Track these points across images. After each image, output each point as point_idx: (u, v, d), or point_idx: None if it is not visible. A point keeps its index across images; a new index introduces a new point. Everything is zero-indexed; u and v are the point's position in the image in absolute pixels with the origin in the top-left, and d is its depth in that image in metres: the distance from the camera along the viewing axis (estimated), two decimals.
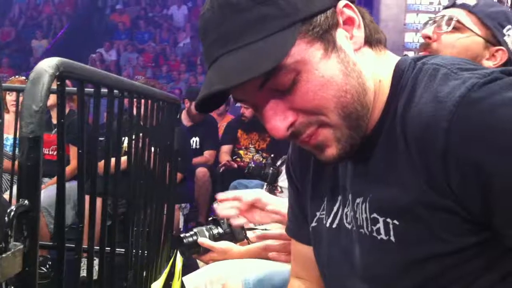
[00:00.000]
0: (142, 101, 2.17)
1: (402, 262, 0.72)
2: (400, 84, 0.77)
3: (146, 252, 2.35)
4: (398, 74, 0.78)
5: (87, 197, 1.48)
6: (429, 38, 1.45)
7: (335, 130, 0.75)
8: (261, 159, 3.85)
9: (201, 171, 4.80)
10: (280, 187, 2.87)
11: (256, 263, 1.80)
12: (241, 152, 4.73)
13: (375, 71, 0.78)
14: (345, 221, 0.85)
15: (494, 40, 1.45)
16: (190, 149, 4.73)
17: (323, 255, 0.90)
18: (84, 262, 1.82)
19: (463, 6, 1.46)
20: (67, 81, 1.35)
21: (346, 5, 0.76)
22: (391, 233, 0.73)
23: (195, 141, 4.93)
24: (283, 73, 0.72)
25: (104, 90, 1.67)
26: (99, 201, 1.59)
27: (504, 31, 1.46)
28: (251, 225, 2.46)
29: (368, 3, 13.11)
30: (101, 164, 1.69)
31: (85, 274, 1.67)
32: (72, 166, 3.49)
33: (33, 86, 1.03)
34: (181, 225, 4.31)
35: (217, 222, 1.96)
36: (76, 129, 1.46)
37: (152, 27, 13.32)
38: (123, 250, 2.06)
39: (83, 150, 1.42)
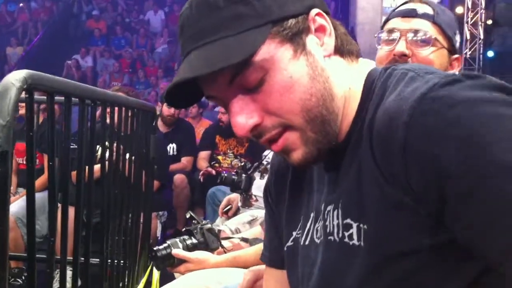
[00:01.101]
0: (116, 109, 2.15)
1: (366, 267, 0.72)
2: (371, 91, 0.78)
3: (122, 262, 2.33)
4: (369, 82, 0.80)
5: (60, 207, 1.46)
6: (405, 55, 1.40)
7: (301, 134, 0.76)
8: (239, 164, 3.85)
9: (179, 178, 4.78)
10: (255, 196, 2.87)
11: (234, 271, 1.80)
12: (219, 157, 4.72)
13: (345, 79, 0.79)
14: (315, 236, 0.85)
15: (453, 48, 1.46)
16: (167, 156, 4.70)
17: (296, 273, 0.90)
18: (57, 273, 1.79)
19: (426, 17, 1.43)
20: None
21: (318, 14, 0.78)
22: (362, 238, 0.73)
23: (172, 147, 4.90)
24: (251, 70, 0.73)
25: (76, 99, 1.66)
26: (72, 210, 1.57)
27: (457, 38, 1.47)
28: (228, 234, 2.45)
29: (345, 7, 13.19)
30: (74, 173, 1.68)
31: (58, 286, 1.65)
32: (45, 176, 3.45)
33: (0, 101, 1.01)
34: (158, 233, 4.28)
35: (190, 232, 1.96)
36: (48, 139, 1.44)
37: (128, 32, 13.24)
38: (98, 260, 2.04)
39: (53, 161, 1.40)
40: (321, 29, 0.78)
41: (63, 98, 1.57)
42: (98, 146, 2.65)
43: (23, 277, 3.12)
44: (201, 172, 4.60)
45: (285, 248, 0.93)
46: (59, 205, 1.69)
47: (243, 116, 0.76)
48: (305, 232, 0.88)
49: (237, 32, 0.73)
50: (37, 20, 13.67)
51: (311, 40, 0.77)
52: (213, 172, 4.52)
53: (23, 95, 1.15)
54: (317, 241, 0.84)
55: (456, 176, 0.63)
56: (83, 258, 1.80)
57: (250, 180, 2.94)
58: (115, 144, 2.23)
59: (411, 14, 1.43)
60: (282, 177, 0.96)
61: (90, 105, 1.86)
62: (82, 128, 1.68)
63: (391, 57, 1.41)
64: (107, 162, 2.13)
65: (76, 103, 1.70)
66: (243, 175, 2.93)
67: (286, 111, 0.75)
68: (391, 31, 1.43)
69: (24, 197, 3.28)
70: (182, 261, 1.87)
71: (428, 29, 1.40)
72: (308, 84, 0.75)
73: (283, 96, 0.74)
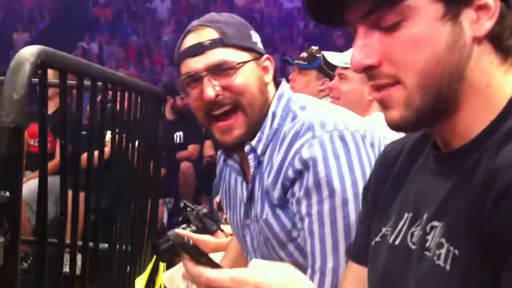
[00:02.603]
0: (126, 93, 2.13)
1: None
2: None
3: (130, 247, 2.32)
4: None
5: (69, 192, 1.45)
6: (219, 95, 1.25)
7: (408, 95, 0.73)
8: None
9: (185, 166, 4.77)
10: None
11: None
12: None
13: (486, 73, 0.74)
14: (409, 240, 0.80)
15: (258, 54, 1.33)
16: (172, 143, 4.69)
17: (379, 271, 0.86)
18: (66, 258, 1.78)
19: (215, 44, 1.25)
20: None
21: None
22: (449, 261, 0.70)
23: (178, 135, 4.89)
24: (391, 9, 0.72)
25: (86, 83, 1.64)
26: (81, 195, 1.55)
27: (254, 39, 1.35)
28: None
29: None
30: (84, 157, 1.66)
31: (68, 270, 1.63)
32: (56, 160, 3.44)
33: (14, 75, 0.99)
34: (165, 220, 4.28)
35: (188, 220, 1.94)
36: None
37: (135, 20, 13.20)
38: (107, 245, 2.03)
39: (65, 142, 1.38)
40: (484, 8, 0.72)
41: (74, 82, 1.55)
42: (107, 131, 2.63)
43: (29, 261, 3.12)
44: (207, 155, 4.60)
45: (373, 243, 0.89)
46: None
47: (363, 53, 0.74)
48: (396, 231, 0.84)
49: None
50: (43, 6, 13.64)
51: (467, 14, 0.72)
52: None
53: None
54: (412, 246, 0.79)
55: None
56: (92, 243, 1.79)
57: None
58: (124, 129, 2.21)
59: (199, 51, 1.25)
60: (387, 171, 0.92)
61: (102, 88, 1.84)
62: (94, 110, 1.66)
63: (203, 104, 1.25)
64: (116, 147, 2.11)
65: (87, 86, 1.68)
66: None
67: (405, 65, 0.72)
68: (188, 75, 1.27)
69: (32, 181, 3.28)
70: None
71: (224, 55, 1.24)
72: (441, 51, 0.71)
73: (410, 49, 0.72)
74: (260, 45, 1.33)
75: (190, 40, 1.29)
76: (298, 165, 1.18)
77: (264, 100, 1.28)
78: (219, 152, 1.56)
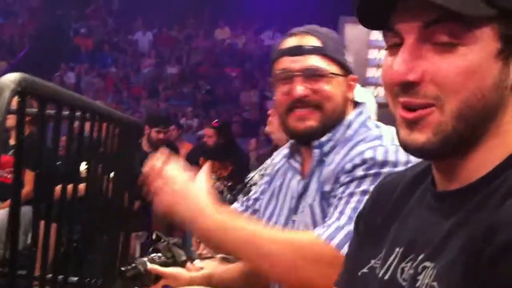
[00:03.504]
0: (104, 124, 2.12)
1: None
2: None
3: (100, 280, 2.27)
4: None
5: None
6: (306, 95, 1.33)
7: (442, 121, 0.71)
8: (222, 187, 3.81)
9: None
10: None
11: None
12: None
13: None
14: (399, 275, 0.78)
15: (347, 71, 1.40)
16: None
17: None
18: None
19: (315, 51, 1.35)
20: None
21: None
22: None
23: None
24: (455, 28, 0.69)
25: (64, 113, 1.63)
26: (53, 227, 1.52)
27: (348, 58, 1.42)
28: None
29: None
30: (57, 189, 1.63)
31: None
32: (25, 190, 3.37)
33: None
34: (137, 254, 4.20)
35: (157, 250, 1.91)
36: (33, 153, 1.40)
37: (116, 51, 13.22)
38: (77, 278, 1.98)
39: (41, 173, 1.36)
40: None
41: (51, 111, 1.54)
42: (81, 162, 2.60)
43: None
44: None
45: (359, 274, 0.87)
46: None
47: (408, 66, 0.71)
48: (386, 265, 0.82)
49: None
50: (23, 34, 13.59)
51: None
52: None
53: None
54: (402, 283, 0.77)
55: None
56: (62, 276, 1.75)
57: (234, 202, 2.90)
58: (100, 161, 2.19)
59: (299, 52, 1.35)
60: (383, 202, 0.90)
61: (80, 118, 1.82)
62: (71, 140, 1.65)
63: (290, 100, 1.35)
64: (91, 179, 2.09)
65: (65, 116, 1.66)
66: (228, 195, 2.90)
67: (450, 89, 0.70)
68: (283, 71, 1.36)
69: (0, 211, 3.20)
70: (157, 279, 1.81)
71: (320, 63, 1.34)
72: (488, 86, 0.70)
73: (459, 75, 0.69)
74: (351, 65, 1.41)
75: (292, 42, 1.38)
76: (357, 160, 1.27)
77: (342, 112, 1.37)
78: (275, 153, 1.71)
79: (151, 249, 1.98)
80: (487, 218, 0.67)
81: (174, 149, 5.12)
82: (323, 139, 1.35)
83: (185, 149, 5.37)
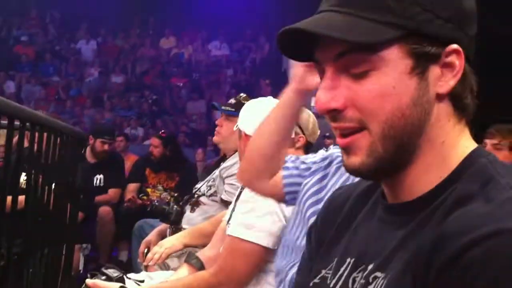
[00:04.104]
0: (45, 134, 2.06)
1: None
2: (467, 173, 0.73)
3: None
4: (470, 162, 0.75)
5: None
6: None
7: (371, 143, 0.74)
8: (168, 197, 3.77)
9: (104, 210, 4.63)
10: (184, 229, 2.80)
11: None
12: (148, 190, 4.62)
13: (443, 130, 0.76)
14: (350, 285, 0.80)
15: None
16: (93, 187, 4.56)
17: None
18: None
19: None
20: None
21: (456, 51, 0.74)
22: None
23: (99, 178, 4.75)
24: (364, 57, 0.72)
25: (3, 122, 1.57)
26: None
27: None
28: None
29: None
30: None
31: None
32: None
33: None
34: (81, 267, 4.10)
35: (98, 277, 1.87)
36: None
37: (58, 60, 12.89)
38: None
39: None
40: (450, 66, 0.74)
41: None
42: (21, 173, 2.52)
43: None
44: (127, 199, 4.51)
45: (311, 284, 0.88)
46: None
47: (329, 96, 0.74)
48: (337, 276, 0.83)
49: (376, 19, 0.71)
50: None
51: (433, 70, 0.74)
52: (139, 201, 4.43)
53: None
54: None
55: None
56: None
57: (181, 213, 2.88)
58: (40, 171, 2.13)
59: None
60: (334, 215, 0.91)
61: (18, 128, 1.77)
62: (9, 151, 1.59)
63: None
64: (31, 190, 2.02)
65: (4, 125, 1.61)
66: (175, 206, 2.87)
67: (371, 113, 0.73)
68: None
69: None
70: None
71: None
72: (406, 104, 0.72)
73: (376, 99, 0.72)
74: None
75: None
76: None
77: None
78: None
79: (89, 275, 1.92)
80: (433, 231, 0.69)
81: (119, 161, 5.03)
82: None
83: (130, 160, 5.29)
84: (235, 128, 2.22)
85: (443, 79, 0.74)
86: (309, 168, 1.58)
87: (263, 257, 1.80)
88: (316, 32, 0.72)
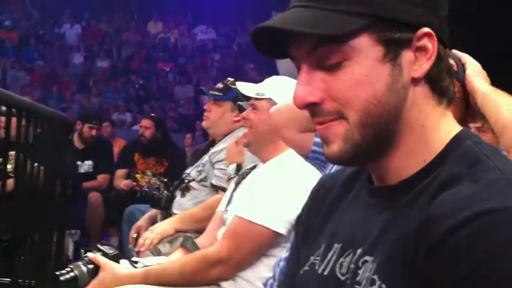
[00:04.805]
0: (32, 120, 2.04)
1: None
2: (455, 155, 0.74)
3: (33, 282, 2.19)
4: (456, 143, 0.75)
5: None
6: None
7: (348, 130, 0.74)
8: (158, 183, 3.76)
9: (93, 196, 4.61)
10: (175, 214, 2.79)
11: None
12: (137, 176, 4.60)
13: (422, 113, 0.76)
14: (337, 270, 0.80)
15: None
16: (80, 173, 4.56)
17: None
18: None
19: None
20: None
21: (428, 34, 0.74)
22: None
23: (88, 164, 4.73)
24: (334, 48, 0.73)
25: None
26: None
27: None
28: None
29: None
30: None
31: None
32: None
33: None
34: (70, 253, 4.09)
35: (89, 251, 1.87)
36: None
37: (42, 45, 12.74)
38: (9, 280, 1.90)
39: None
40: (423, 49, 0.74)
41: None
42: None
43: None
44: (123, 183, 4.51)
45: (301, 272, 0.88)
46: None
47: (306, 90, 0.75)
48: (325, 262, 0.83)
49: (342, 10, 0.72)
50: None
51: (406, 55, 0.74)
52: (133, 184, 4.42)
53: None
54: (341, 277, 0.79)
55: None
56: None
57: (171, 198, 2.87)
58: (28, 157, 2.11)
59: None
60: (320, 202, 0.92)
61: (4, 113, 1.75)
62: None
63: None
64: (20, 177, 2.01)
65: None
66: (165, 192, 2.86)
67: (347, 102, 0.73)
68: None
69: None
70: (86, 284, 1.77)
71: None
72: (381, 91, 0.73)
73: (351, 88, 0.73)
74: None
75: None
76: None
77: None
78: None
79: (84, 255, 1.92)
80: (420, 213, 0.69)
81: (108, 146, 5.00)
82: None
83: (118, 145, 5.26)
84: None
85: (417, 63, 0.75)
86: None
87: (271, 242, 1.79)
88: (283, 29, 0.73)
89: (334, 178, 0.94)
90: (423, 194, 0.72)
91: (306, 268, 0.88)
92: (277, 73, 2.67)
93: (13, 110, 1.82)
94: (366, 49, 0.73)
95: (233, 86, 3.00)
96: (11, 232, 1.94)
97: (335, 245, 0.83)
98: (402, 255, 0.69)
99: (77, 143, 4.63)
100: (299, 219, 0.99)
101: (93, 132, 4.70)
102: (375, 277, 0.72)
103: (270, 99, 2.26)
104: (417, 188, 0.73)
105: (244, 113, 2.41)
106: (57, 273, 1.76)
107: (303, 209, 0.99)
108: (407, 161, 0.76)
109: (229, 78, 3.10)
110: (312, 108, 0.76)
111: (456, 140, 0.76)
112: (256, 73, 9.28)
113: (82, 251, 1.96)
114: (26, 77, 11.65)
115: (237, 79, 2.98)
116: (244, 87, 2.38)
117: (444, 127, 0.77)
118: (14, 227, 1.94)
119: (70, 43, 12.88)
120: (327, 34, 0.72)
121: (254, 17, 12.60)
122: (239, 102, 2.52)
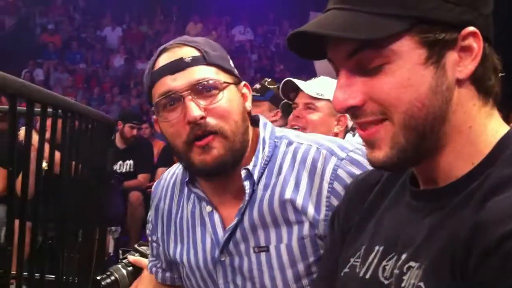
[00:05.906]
0: (76, 121, 2.10)
1: None
2: (501, 157, 0.71)
3: (76, 278, 2.25)
4: (504, 144, 0.73)
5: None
6: (202, 117, 1.13)
7: (394, 134, 0.73)
8: None
9: (134, 195, 4.70)
10: None
11: None
12: None
13: (469, 114, 0.74)
14: (380, 274, 0.79)
15: (237, 78, 1.22)
16: (122, 172, 4.65)
17: None
18: None
19: (197, 62, 1.14)
20: None
21: (473, 33, 0.72)
22: None
23: (128, 164, 4.82)
24: (375, 52, 0.72)
25: (36, 109, 1.61)
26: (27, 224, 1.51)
27: (232, 64, 1.25)
28: None
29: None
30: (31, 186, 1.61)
31: None
32: None
33: None
34: (111, 250, 4.17)
35: (131, 254, 1.90)
36: (4, 150, 1.39)
37: (84, 48, 13.03)
38: (53, 276, 1.96)
39: (14, 170, 1.35)
40: (467, 50, 0.72)
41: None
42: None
43: None
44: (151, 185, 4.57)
45: (342, 274, 0.87)
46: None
47: (346, 93, 0.74)
48: (367, 264, 0.82)
49: (381, 13, 0.71)
50: None
51: (450, 56, 0.72)
52: None
53: None
54: (384, 281, 0.78)
55: None
56: (38, 274, 1.73)
57: None
58: (73, 157, 2.17)
59: (180, 67, 1.12)
60: (359, 201, 0.90)
61: (51, 115, 1.80)
62: (43, 138, 1.63)
63: (187, 125, 1.11)
64: (64, 175, 2.07)
65: (37, 112, 1.65)
66: None
67: (390, 104, 0.72)
68: (169, 96, 1.12)
69: None
70: (128, 285, 1.81)
71: (208, 73, 1.13)
72: (424, 94, 0.71)
73: (394, 91, 0.71)
74: (236, 72, 1.23)
75: (167, 58, 1.15)
76: (342, 191, 1.09)
77: (245, 127, 1.17)
78: (156, 183, 1.40)
79: (122, 257, 1.96)
80: (471, 218, 0.68)
81: (148, 146, 5.09)
82: (250, 167, 1.15)
83: (157, 147, 5.34)
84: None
85: (461, 64, 0.73)
86: None
87: None
88: (318, 33, 0.72)
89: (376, 175, 0.92)
90: (472, 198, 0.70)
91: (346, 270, 0.86)
92: (309, 73, 2.64)
93: (59, 111, 1.87)
94: (407, 52, 0.71)
95: (270, 86, 3.02)
96: (57, 231, 2.01)
97: (376, 248, 0.82)
98: (451, 262, 0.68)
99: (119, 143, 4.73)
100: (334, 215, 0.97)
101: (134, 131, 4.80)
102: (421, 284, 0.70)
103: (329, 100, 2.22)
104: (465, 191, 0.72)
105: (296, 111, 2.35)
106: (98, 277, 1.79)
107: (339, 206, 0.97)
108: (455, 163, 0.74)
109: (266, 79, 3.11)
110: (354, 111, 0.75)
111: (504, 141, 0.74)
112: (289, 74, 9.26)
113: (121, 252, 2.00)
114: (68, 79, 11.94)
115: (275, 80, 2.99)
116: (305, 86, 2.35)
117: (492, 127, 0.75)
118: (60, 226, 2.00)
119: (111, 45, 13.13)
120: (368, 38, 0.70)
121: (291, 17, 12.60)
122: (287, 101, 2.50)
